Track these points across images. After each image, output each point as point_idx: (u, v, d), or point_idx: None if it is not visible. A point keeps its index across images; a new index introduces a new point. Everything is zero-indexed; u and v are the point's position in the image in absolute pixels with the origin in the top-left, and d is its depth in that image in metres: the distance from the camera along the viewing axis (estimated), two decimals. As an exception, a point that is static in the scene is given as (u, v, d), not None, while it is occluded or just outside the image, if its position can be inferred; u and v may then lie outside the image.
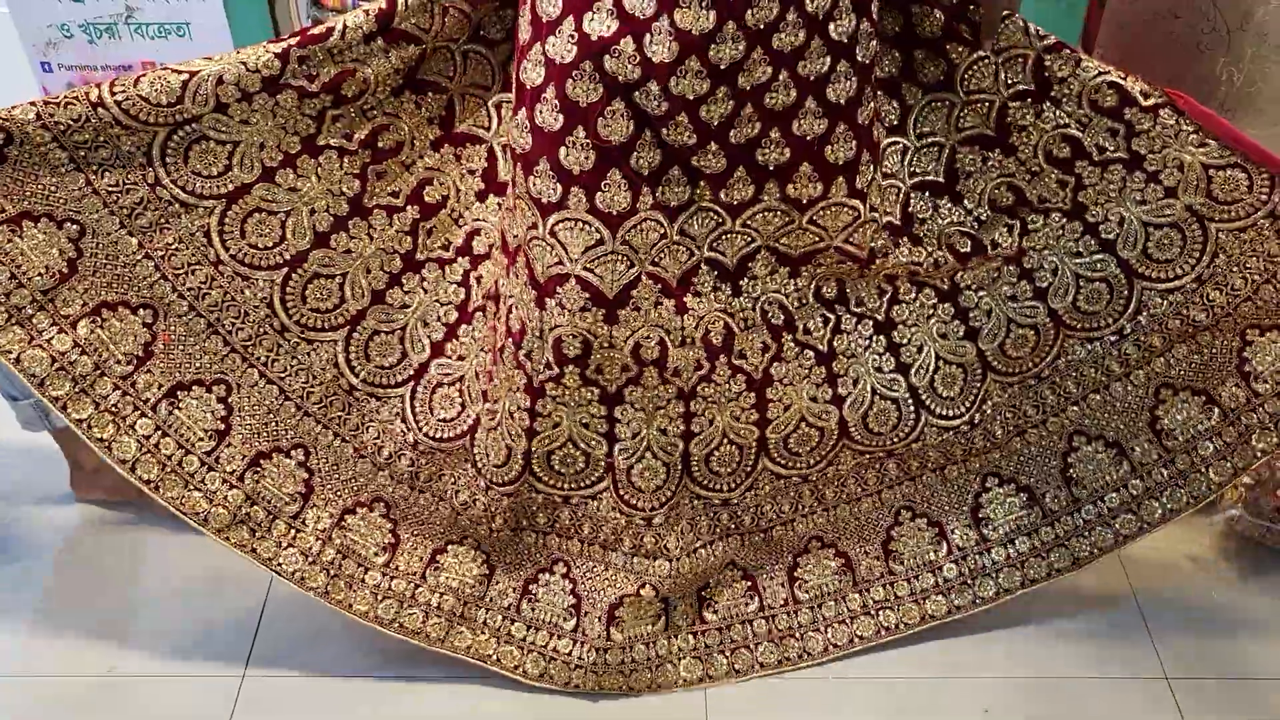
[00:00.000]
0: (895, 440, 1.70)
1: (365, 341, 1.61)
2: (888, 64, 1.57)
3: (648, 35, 1.36)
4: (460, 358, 1.66)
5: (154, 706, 1.68)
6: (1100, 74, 1.50)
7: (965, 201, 1.61)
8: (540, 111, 1.45)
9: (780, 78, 1.41)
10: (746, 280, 1.59)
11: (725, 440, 1.65)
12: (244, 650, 1.76)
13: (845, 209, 1.54)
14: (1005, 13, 1.49)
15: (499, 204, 1.63)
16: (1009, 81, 1.53)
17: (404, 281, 1.62)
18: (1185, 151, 1.51)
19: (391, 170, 1.57)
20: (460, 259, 1.65)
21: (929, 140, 1.60)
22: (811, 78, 1.43)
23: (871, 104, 1.50)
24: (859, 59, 1.45)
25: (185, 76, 1.41)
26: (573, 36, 1.39)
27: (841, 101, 1.46)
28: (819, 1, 1.38)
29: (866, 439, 1.70)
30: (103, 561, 1.92)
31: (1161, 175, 1.54)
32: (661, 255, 1.53)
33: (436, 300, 1.64)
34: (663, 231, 1.51)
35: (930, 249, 1.62)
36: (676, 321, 1.57)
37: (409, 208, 1.60)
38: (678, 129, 1.43)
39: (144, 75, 1.42)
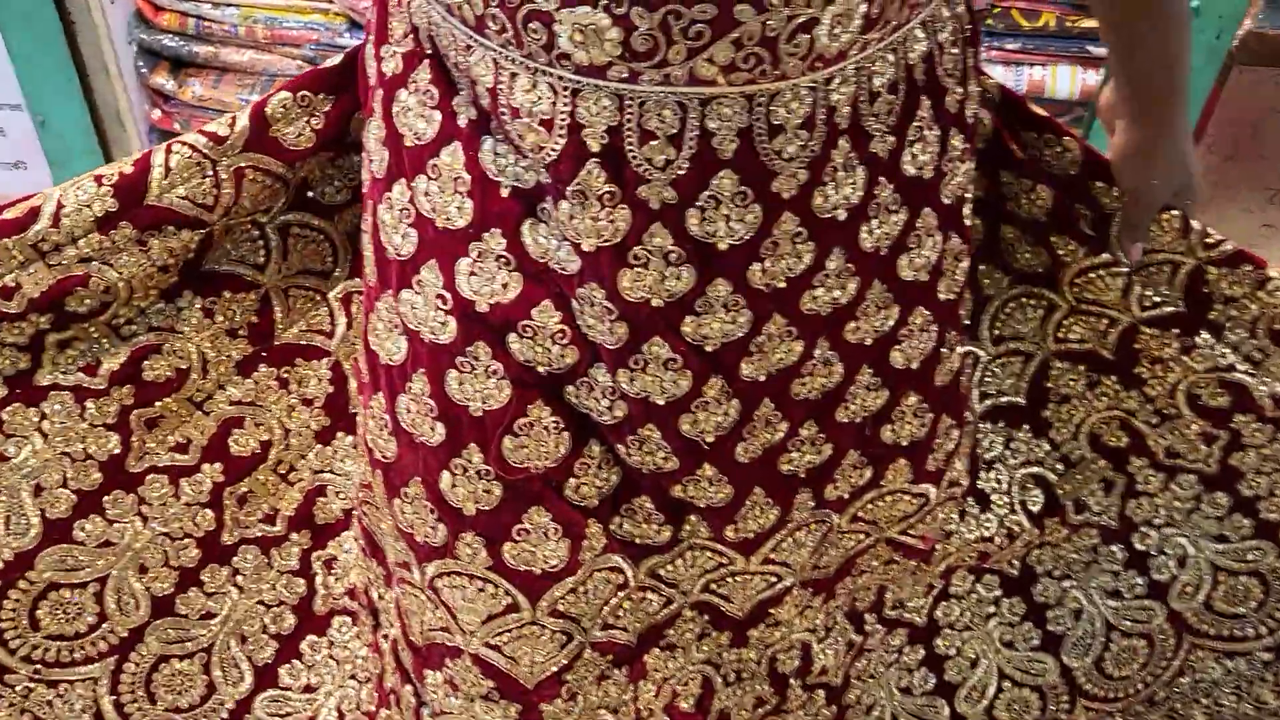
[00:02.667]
0: None
1: (146, 674, 1.04)
2: None
3: (575, 302, 0.76)
4: (308, 689, 1.08)
5: None
6: None
7: (1052, 433, 1.07)
8: (406, 408, 0.85)
9: (816, 353, 0.82)
10: (761, 629, 1.00)
11: None
12: None
13: (906, 498, 0.95)
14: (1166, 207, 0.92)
15: (354, 445, 1.03)
16: (1147, 300, 0.96)
17: (204, 579, 1.04)
18: None
19: (173, 413, 0.98)
20: (295, 534, 1.07)
21: (1011, 347, 1.05)
22: (867, 342, 0.83)
23: (959, 352, 0.91)
24: (942, 296, 0.86)
25: None
26: (443, 299, 0.79)
27: (914, 365, 0.87)
28: (883, 229, 0.78)
29: None
30: None
31: None
32: (619, 614, 0.93)
33: (259, 602, 1.07)
34: (621, 581, 0.92)
35: (1003, 512, 1.08)
36: (629, 693, 0.97)
37: (206, 466, 1.01)
38: (644, 448, 0.83)
39: None
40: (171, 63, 1.78)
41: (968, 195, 0.86)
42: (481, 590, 0.89)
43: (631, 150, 0.69)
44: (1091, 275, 0.98)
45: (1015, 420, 1.07)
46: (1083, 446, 1.07)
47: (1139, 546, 1.10)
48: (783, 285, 0.76)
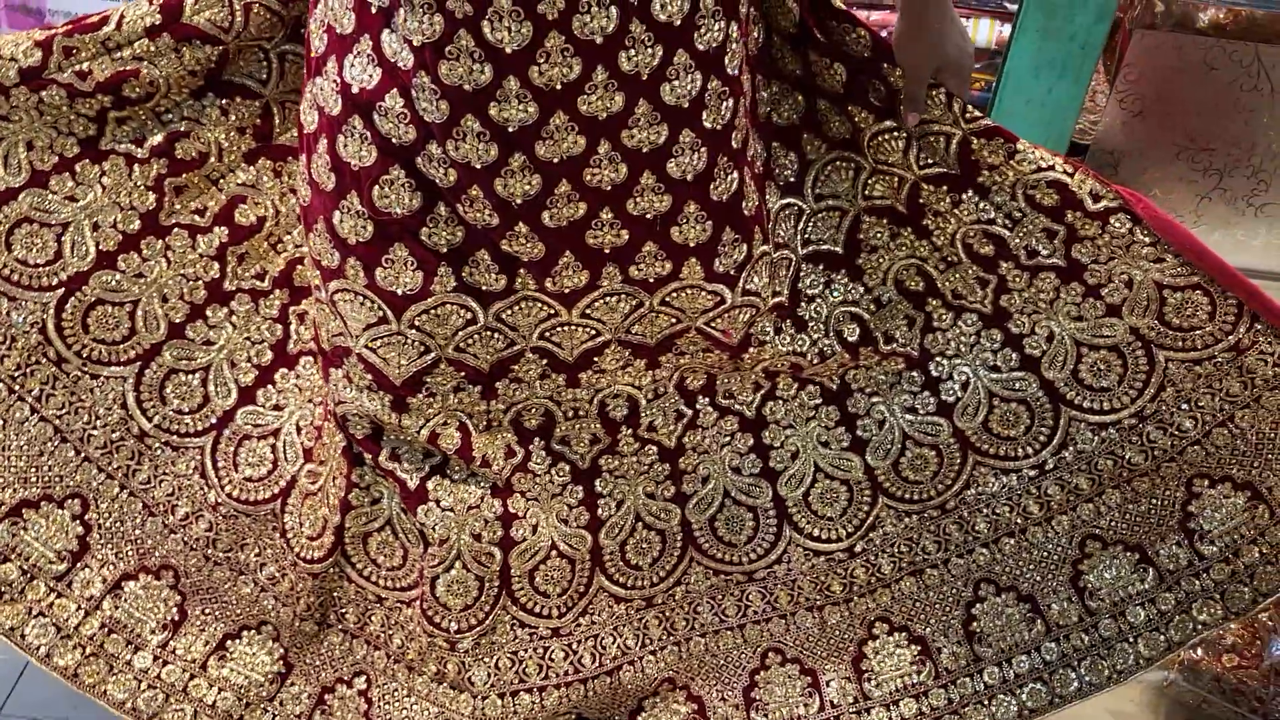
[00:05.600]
0: (753, 556, 1.43)
1: (160, 381, 1.38)
2: (787, 109, 1.30)
3: (413, 90, 1.10)
4: (277, 407, 1.42)
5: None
6: (1041, 168, 1.23)
7: (865, 278, 1.35)
8: (315, 164, 1.21)
9: (600, 150, 1.13)
10: (590, 374, 1.32)
11: (553, 551, 1.39)
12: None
13: (704, 293, 1.27)
14: (933, 85, 1.21)
15: None
16: (924, 160, 1.25)
17: (209, 314, 1.39)
18: (1137, 266, 1.23)
19: (194, 184, 1.34)
20: (278, 291, 1.42)
21: (829, 204, 1.33)
22: (644, 149, 1.14)
23: (735, 174, 1.21)
24: (708, 125, 1.16)
25: None
26: (336, 84, 1.14)
27: (688, 177, 1.18)
28: (639, 58, 1.09)
29: (716, 549, 1.43)
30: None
31: (1104, 290, 1.25)
32: (470, 341, 1.27)
33: (247, 338, 1.41)
34: (470, 317, 1.25)
35: (816, 336, 1.35)
36: (481, 406, 1.31)
37: (216, 228, 1.37)
38: (474, 205, 1.17)
39: None
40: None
41: (730, 49, 1.14)
42: (363, 304, 1.24)
43: None
44: (880, 139, 1.26)
45: (835, 265, 1.35)
46: (890, 290, 1.34)
47: (934, 373, 1.35)
48: (559, 88, 1.08)
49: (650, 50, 1.08)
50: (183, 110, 1.31)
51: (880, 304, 1.35)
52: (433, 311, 1.23)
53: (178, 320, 1.38)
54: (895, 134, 1.25)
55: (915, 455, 1.38)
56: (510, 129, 1.10)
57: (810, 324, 1.35)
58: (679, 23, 1.08)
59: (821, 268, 1.35)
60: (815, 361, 1.35)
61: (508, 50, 1.06)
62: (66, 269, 1.32)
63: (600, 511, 1.39)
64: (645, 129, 1.13)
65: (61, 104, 1.24)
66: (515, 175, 1.13)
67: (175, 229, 1.35)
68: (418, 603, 1.37)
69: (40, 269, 1.31)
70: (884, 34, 1.22)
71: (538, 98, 1.09)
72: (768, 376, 1.38)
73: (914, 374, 1.36)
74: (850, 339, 1.35)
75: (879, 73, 1.22)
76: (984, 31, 1.85)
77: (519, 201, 1.15)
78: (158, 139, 1.30)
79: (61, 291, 1.32)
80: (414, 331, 1.25)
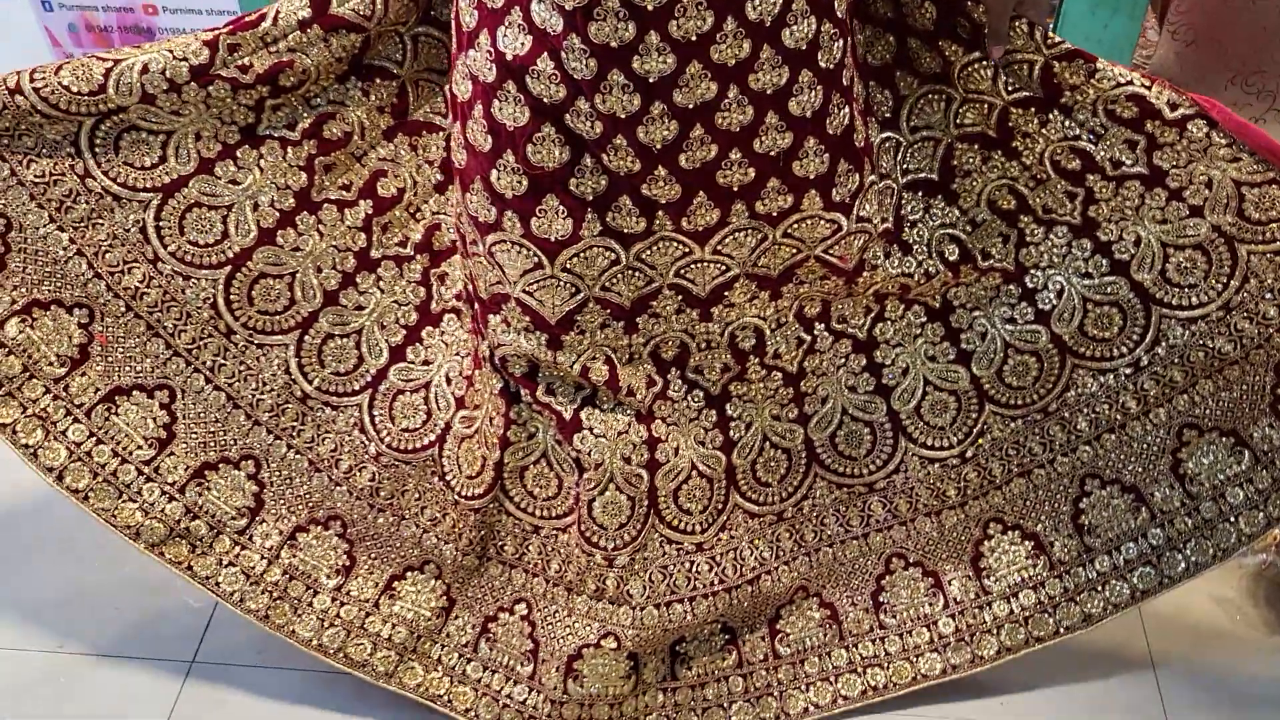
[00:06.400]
0: (872, 468, 1.55)
1: (318, 346, 1.52)
2: (880, 49, 1.41)
3: (563, 52, 1.23)
4: (426, 362, 1.55)
5: (103, 688, 1.64)
6: (1120, 84, 1.33)
7: (960, 201, 1.46)
8: (471, 129, 1.34)
9: (730, 94, 1.26)
10: (720, 308, 1.45)
11: (693, 472, 1.52)
12: (193, 643, 1.70)
13: (823, 221, 1.39)
14: (1015, 17, 1.32)
15: None
16: (1011, 86, 1.36)
17: (358, 281, 1.52)
18: (1215, 167, 1.33)
19: (341, 162, 1.47)
20: (419, 255, 1.55)
21: (924, 135, 1.44)
22: (768, 91, 1.27)
23: (847, 109, 1.34)
24: (823, 65, 1.29)
25: (109, 64, 1.33)
26: (490, 54, 1.27)
27: (807, 114, 1.30)
28: (763, 7, 1.21)
29: (838, 463, 1.56)
30: (52, 539, 1.86)
31: (1186, 192, 1.36)
32: (614, 280, 1.40)
33: (394, 300, 1.54)
34: (614, 258, 1.38)
35: (921, 258, 1.47)
36: (624, 340, 1.44)
37: (362, 202, 1.50)
38: (618, 154, 1.29)
39: (66, 63, 1.33)
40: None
41: None
42: (519, 252, 1.38)
43: None
44: (970, 69, 1.37)
45: (932, 191, 1.46)
46: (984, 210, 1.45)
47: (1029, 284, 1.46)
48: (694, 39, 1.20)
49: (772, 0, 1.21)
50: (329, 94, 1.44)
51: (976, 224, 1.46)
52: (582, 255, 1.36)
53: (331, 288, 1.51)
54: (983, 64, 1.36)
55: (1017, 363, 1.49)
56: (651, 80, 1.23)
57: (914, 247, 1.47)
58: None
59: (920, 194, 1.46)
60: (921, 281, 1.47)
61: (649, 7, 1.18)
62: (232, 247, 1.45)
63: (732, 434, 1.52)
64: (769, 71, 1.25)
65: (226, 96, 1.38)
66: (655, 122, 1.26)
67: (325, 204, 1.48)
68: (574, 526, 1.51)
69: (210, 248, 1.44)
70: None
71: (675, 49, 1.21)
72: (876, 300, 1.50)
73: (1011, 287, 1.47)
74: (951, 258, 1.46)
75: (963, 9, 1.33)
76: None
77: (658, 147, 1.28)
78: (307, 122, 1.44)
79: (229, 268, 1.45)
80: (565, 274, 1.38)
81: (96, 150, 1.38)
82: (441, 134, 1.51)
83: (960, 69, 1.37)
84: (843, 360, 1.53)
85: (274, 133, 1.43)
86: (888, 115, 1.43)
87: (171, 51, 1.34)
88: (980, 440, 1.53)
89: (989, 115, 1.39)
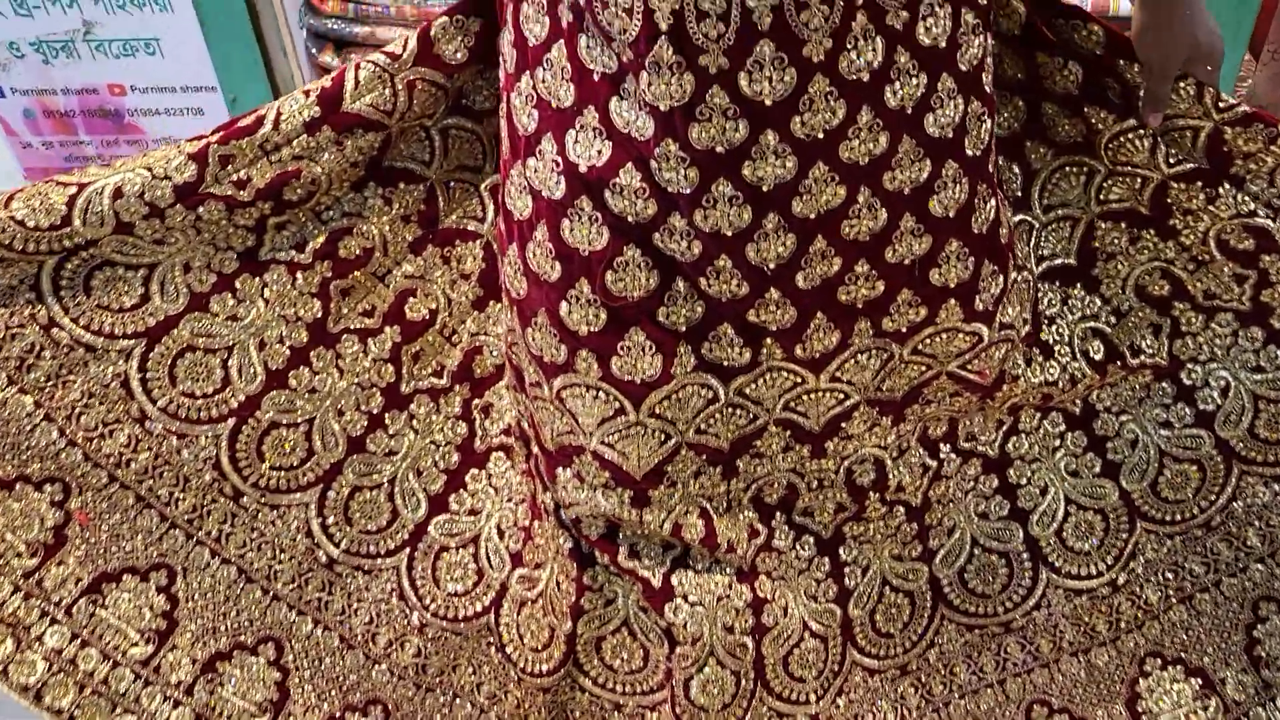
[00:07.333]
0: (1009, 605, 1.31)
1: (344, 501, 1.27)
2: (1007, 117, 1.18)
3: (654, 161, 0.98)
4: (472, 512, 1.31)
5: None
6: None
7: (1103, 288, 1.24)
8: (533, 254, 1.09)
9: (860, 199, 1.02)
10: (835, 441, 1.21)
11: (805, 632, 1.26)
12: None
13: (960, 335, 1.15)
14: (1180, 77, 1.09)
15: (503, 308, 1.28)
16: (1173, 158, 1.13)
17: (388, 422, 1.28)
18: None
19: (361, 284, 1.23)
20: (458, 386, 1.30)
21: (1059, 214, 1.22)
22: (905, 190, 1.03)
23: (992, 201, 1.10)
24: (969, 154, 1.05)
25: (72, 191, 1.09)
26: (557, 164, 1.03)
27: (950, 213, 1.06)
28: (904, 91, 0.97)
29: (968, 602, 1.31)
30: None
31: None
32: (711, 422, 1.15)
33: (431, 441, 1.30)
34: (711, 396, 1.13)
35: (1064, 360, 1.24)
36: (721, 487, 1.20)
37: (387, 329, 1.25)
38: (720, 277, 1.05)
39: (17, 192, 1.09)
40: (335, 43, 2.06)
41: (987, 65, 1.04)
42: (596, 397, 1.12)
43: (691, 27, 0.91)
44: (1122, 139, 1.14)
45: (1070, 279, 1.24)
46: (1130, 298, 1.23)
47: (1186, 381, 1.24)
48: (821, 136, 0.96)
49: (915, 79, 0.97)
50: (344, 205, 1.20)
51: (1120, 314, 1.23)
52: (674, 396, 1.12)
53: (356, 434, 1.26)
54: (1139, 133, 1.13)
55: (1175, 473, 1.26)
56: (765, 188, 0.99)
57: (1056, 348, 1.24)
58: (943, 44, 0.97)
59: (1057, 284, 1.24)
60: (1067, 388, 1.24)
61: (767, 102, 0.94)
62: (236, 395, 1.21)
63: (847, 581, 1.27)
64: (908, 168, 1.01)
65: (220, 218, 1.14)
66: (769, 238, 1.02)
67: (344, 335, 1.24)
68: (666, 705, 1.25)
69: (209, 400, 1.20)
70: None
71: (797, 150, 0.97)
72: (1009, 411, 1.27)
73: (1164, 385, 1.25)
74: (1096, 357, 1.24)
75: (1115, 70, 1.10)
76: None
77: (771, 266, 1.03)
78: (319, 240, 1.19)
79: (233, 421, 1.21)
80: (654, 420, 1.13)
81: (62, 293, 1.13)
82: (479, 241, 1.26)
83: (1109, 139, 1.14)
84: (971, 484, 1.30)
85: (280, 256, 1.19)
86: (1018, 194, 1.20)
87: (150, 169, 1.10)
88: (1132, 564, 1.29)
89: (1141, 190, 1.17)
